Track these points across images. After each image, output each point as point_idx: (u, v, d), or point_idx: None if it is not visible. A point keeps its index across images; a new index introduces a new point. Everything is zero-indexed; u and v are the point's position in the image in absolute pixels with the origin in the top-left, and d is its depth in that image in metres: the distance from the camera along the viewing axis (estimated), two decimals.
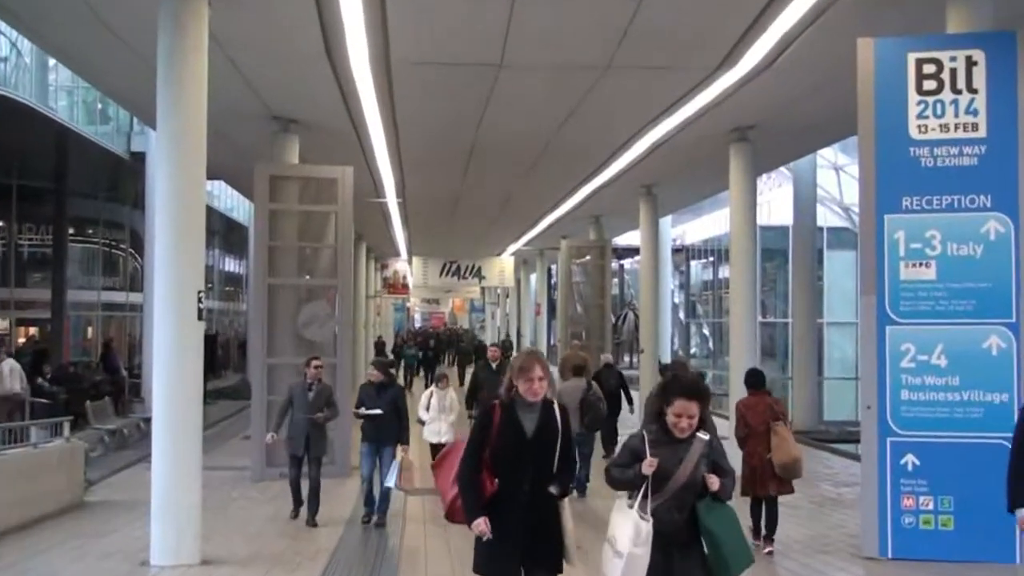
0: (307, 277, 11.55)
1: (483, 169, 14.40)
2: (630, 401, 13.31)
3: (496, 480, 3.63)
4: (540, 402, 3.76)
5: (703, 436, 3.50)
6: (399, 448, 7.90)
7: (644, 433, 3.58)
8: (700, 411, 3.50)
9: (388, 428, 8.01)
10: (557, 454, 3.68)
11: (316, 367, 8.39)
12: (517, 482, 3.61)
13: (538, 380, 3.74)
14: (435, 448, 9.33)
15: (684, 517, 3.43)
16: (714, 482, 3.41)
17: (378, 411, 8.07)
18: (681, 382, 3.65)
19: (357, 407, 8.24)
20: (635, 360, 44.53)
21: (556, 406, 3.79)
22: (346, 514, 8.69)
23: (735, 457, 5.93)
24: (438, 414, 9.40)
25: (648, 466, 3.45)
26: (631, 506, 3.44)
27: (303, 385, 8.41)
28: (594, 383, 10.60)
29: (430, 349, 26.32)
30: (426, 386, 21.24)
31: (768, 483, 7.21)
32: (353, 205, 11.15)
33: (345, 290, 11.17)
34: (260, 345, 10.82)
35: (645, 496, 3.42)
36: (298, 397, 8.35)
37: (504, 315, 45.80)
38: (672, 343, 24.77)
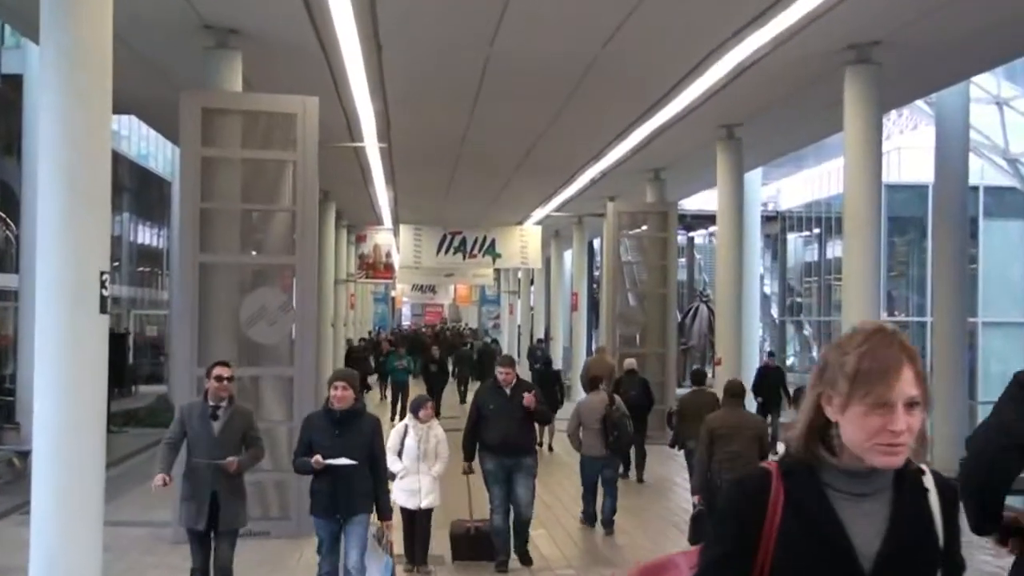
0: (254, 253, 11.66)
1: (499, 102, 14.45)
2: (651, 405, 15.22)
3: None
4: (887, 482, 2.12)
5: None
6: (375, 523, 7.20)
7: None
8: None
9: (354, 487, 7.12)
10: None
11: (220, 379, 7.28)
12: None
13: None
14: (409, 518, 9.07)
15: None
16: None
17: (346, 461, 7.12)
18: None
19: (302, 452, 7.32)
20: (711, 373, 44.24)
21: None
22: None
23: None
24: (416, 462, 8.95)
25: None
26: None
27: (203, 410, 7.31)
28: (617, 397, 11.61)
29: (433, 361, 22.94)
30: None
31: None
32: (319, 152, 11.23)
33: (307, 272, 11.25)
34: (188, 349, 10.90)
35: None
36: (196, 429, 7.25)
37: (528, 309, 45.98)
38: (761, 349, 24.59)
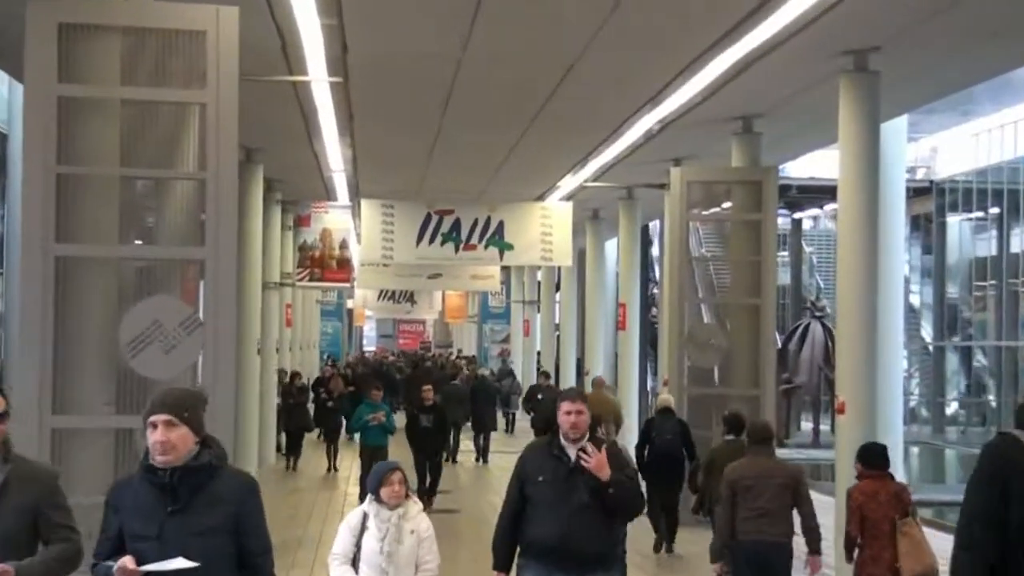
0: (139, 243, 11.75)
1: (512, 12, 14.55)
2: (691, 458, 16.17)
3: None
4: None
5: None
6: None
7: None
8: None
9: None
10: None
11: None
12: None
13: None
14: None
15: None
16: None
17: (184, 564, 5.96)
18: None
19: (107, 551, 6.15)
20: (822, 421, 44.31)
21: None
22: None
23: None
24: (382, 568, 8.82)
25: None
26: None
27: None
28: (623, 448, 11.95)
29: (425, 410, 22.69)
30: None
31: None
32: (241, 91, 11.27)
33: (222, 272, 11.30)
34: (35, 387, 10.85)
35: None
36: None
37: (550, 327, 45.93)
38: (908, 386, 24.53)
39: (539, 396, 30.82)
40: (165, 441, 6.01)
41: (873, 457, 11.09)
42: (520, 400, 37.98)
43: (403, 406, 35.46)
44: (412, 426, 22.49)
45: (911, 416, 21.81)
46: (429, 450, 22.24)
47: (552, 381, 33.00)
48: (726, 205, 21.33)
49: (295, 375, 31.12)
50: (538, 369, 41.29)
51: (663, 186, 23.33)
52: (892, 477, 11.37)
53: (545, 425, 29.16)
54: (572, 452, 8.51)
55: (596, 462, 8.37)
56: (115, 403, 10.94)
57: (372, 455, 20.39)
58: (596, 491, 8.41)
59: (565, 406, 8.62)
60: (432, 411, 22.59)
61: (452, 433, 28.67)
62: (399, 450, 21.87)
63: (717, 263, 21.05)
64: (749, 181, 20.78)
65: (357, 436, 23.00)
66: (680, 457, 16.26)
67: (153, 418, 6.06)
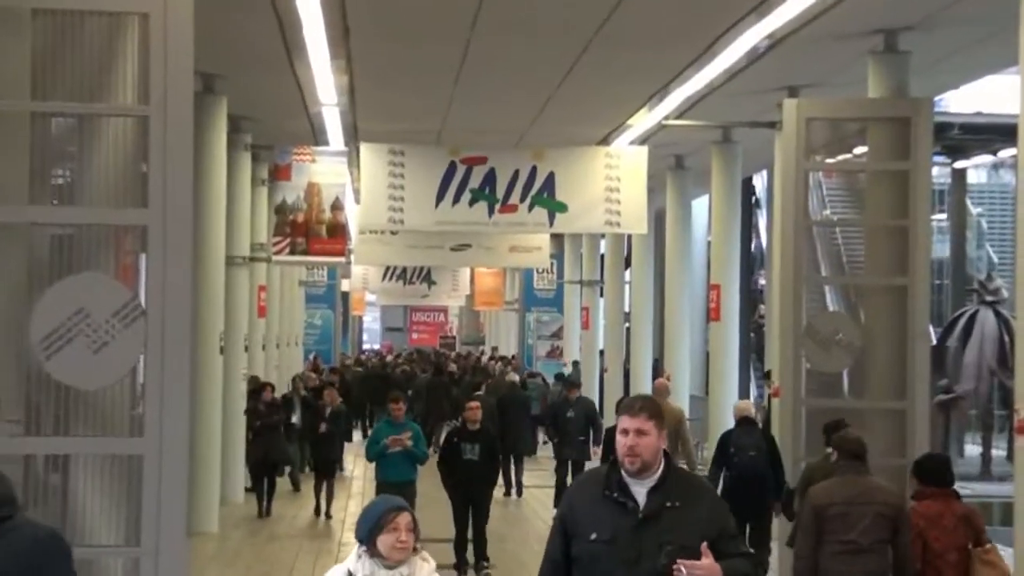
0: (55, 203, 11.88)
1: None
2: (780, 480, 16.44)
3: None
4: None
5: None
6: None
7: None
8: None
9: None
10: None
11: None
12: None
13: None
14: None
15: None
16: None
17: None
18: None
19: None
20: (994, 444, 43.48)
21: None
22: None
23: None
24: None
25: None
26: None
27: None
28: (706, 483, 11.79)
29: (472, 434, 22.10)
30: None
31: None
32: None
33: (173, 243, 11.41)
34: None
35: None
36: None
37: (618, 316, 45.75)
38: None
39: (568, 414, 29.60)
40: None
41: (933, 471, 11.54)
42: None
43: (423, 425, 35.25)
44: (451, 457, 21.95)
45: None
46: (476, 492, 21.66)
47: (579, 391, 31.79)
48: (860, 151, 21.22)
49: (263, 386, 30.24)
50: (561, 377, 40.70)
51: (773, 125, 23.31)
52: (958, 496, 11.70)
53: (580, 454, 29.31)
54: (641, 493, 8.26)
55: None
56: (24, 420, 11.01)
57: (395, 492, 19.77)
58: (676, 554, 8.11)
59: (623, 421, 8.35)
60: (479, 438, 21.86)
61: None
62: (431, 490, 21.65)
63: (847, 230, 20.74)
64: (893, 118, 20.38)
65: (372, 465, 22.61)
66: (766, 478, 16.82)
67: None
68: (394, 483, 20.77)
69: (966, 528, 11.05)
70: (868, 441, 17.63)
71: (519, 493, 30.92)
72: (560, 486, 28.24)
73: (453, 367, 50.63)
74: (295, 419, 31.09)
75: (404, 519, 8.67)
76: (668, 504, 8.21)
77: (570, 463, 28.74)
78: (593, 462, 26.98)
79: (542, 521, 26.14)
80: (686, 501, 8.25)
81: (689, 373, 34.15)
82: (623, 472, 8.25)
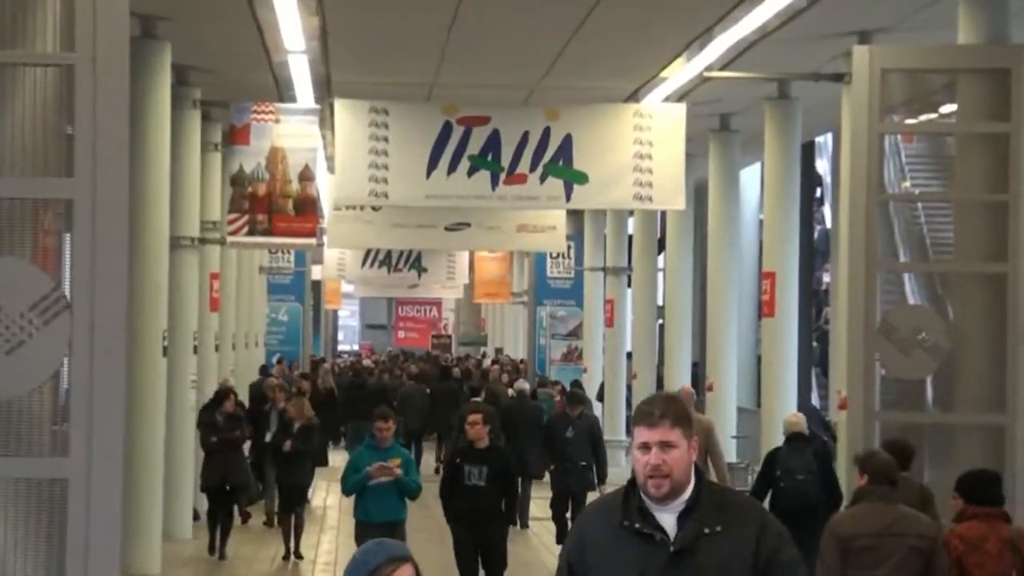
0: None
1: None
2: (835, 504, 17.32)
3: None
4: None
5: None
6: None
7: None
8: None
9: None
10: None
11: None
12: None
13: None
14: None
15: None
16: None
17: None
18: None
19: None
20: None
21: None
22: None
23: None
24: None
25: None
26: None
27: None
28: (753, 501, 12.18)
29: (478, 455, 21.89)
30: None
31: None
32: None
33: (104, 219, 11.49)
34: None
35: None
36: None
37: (650, 311, 45.91)
38: None
39: (567, 434, 29.32)
40: None
41: (977, 486, 11.82)
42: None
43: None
44: (452, 483, 21.86)
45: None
46: (483, 528, 21.59)
47: (585, 406, 31.50)
48: (947, 109, 21.17)
49: (225, 394, 30.07)
50: (566, 389, 39.55)
51: (840, 78, 23.32)
52: (1007, 518, 11.99)
53: (581, 484, 29.27)
54: (669, 520, 8.16)
55: None
56: None
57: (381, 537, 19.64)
58: None
59: (641, 434, 8.24)
60: (487, 458, 21.61)
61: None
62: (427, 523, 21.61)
63: (932, 206, 20.79)
64: (988, 69, 20.49)
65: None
66: (817, 504, 17.15)
67: None
68: (378, 523, 20.64)
69: (1013, 555, 11.29)
70: (958, 464, 17.62)
71: (524, 524, 30.93)
72: (559, 523, 28.19)
73: (456, 371, 51.16)
74: (268, 437, 30.68)
75: (406, 573, 8.26)
76: (706, 531, 8.08)
77: (571, 497, 28.28)
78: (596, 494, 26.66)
79: (551, 556, 26.14)
80: (728, 524, 8.15)
81: (736, 381, 34.28)
82: (644, 496, 8.07)
